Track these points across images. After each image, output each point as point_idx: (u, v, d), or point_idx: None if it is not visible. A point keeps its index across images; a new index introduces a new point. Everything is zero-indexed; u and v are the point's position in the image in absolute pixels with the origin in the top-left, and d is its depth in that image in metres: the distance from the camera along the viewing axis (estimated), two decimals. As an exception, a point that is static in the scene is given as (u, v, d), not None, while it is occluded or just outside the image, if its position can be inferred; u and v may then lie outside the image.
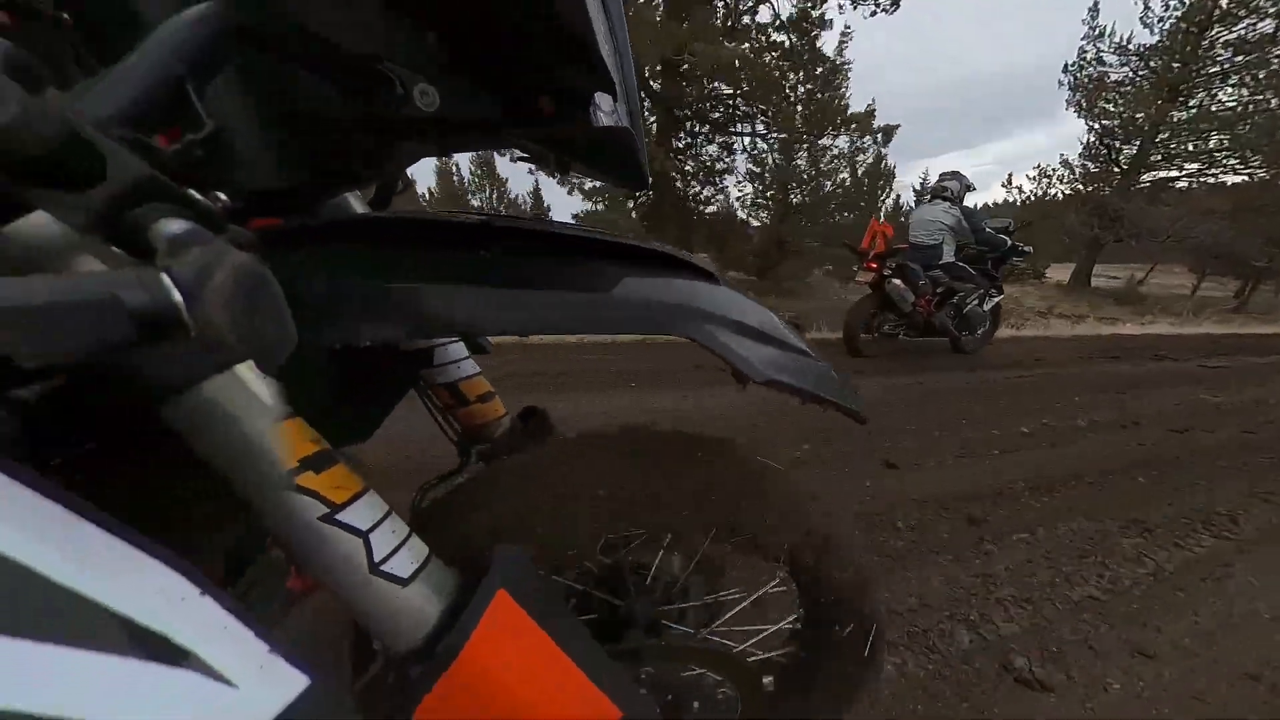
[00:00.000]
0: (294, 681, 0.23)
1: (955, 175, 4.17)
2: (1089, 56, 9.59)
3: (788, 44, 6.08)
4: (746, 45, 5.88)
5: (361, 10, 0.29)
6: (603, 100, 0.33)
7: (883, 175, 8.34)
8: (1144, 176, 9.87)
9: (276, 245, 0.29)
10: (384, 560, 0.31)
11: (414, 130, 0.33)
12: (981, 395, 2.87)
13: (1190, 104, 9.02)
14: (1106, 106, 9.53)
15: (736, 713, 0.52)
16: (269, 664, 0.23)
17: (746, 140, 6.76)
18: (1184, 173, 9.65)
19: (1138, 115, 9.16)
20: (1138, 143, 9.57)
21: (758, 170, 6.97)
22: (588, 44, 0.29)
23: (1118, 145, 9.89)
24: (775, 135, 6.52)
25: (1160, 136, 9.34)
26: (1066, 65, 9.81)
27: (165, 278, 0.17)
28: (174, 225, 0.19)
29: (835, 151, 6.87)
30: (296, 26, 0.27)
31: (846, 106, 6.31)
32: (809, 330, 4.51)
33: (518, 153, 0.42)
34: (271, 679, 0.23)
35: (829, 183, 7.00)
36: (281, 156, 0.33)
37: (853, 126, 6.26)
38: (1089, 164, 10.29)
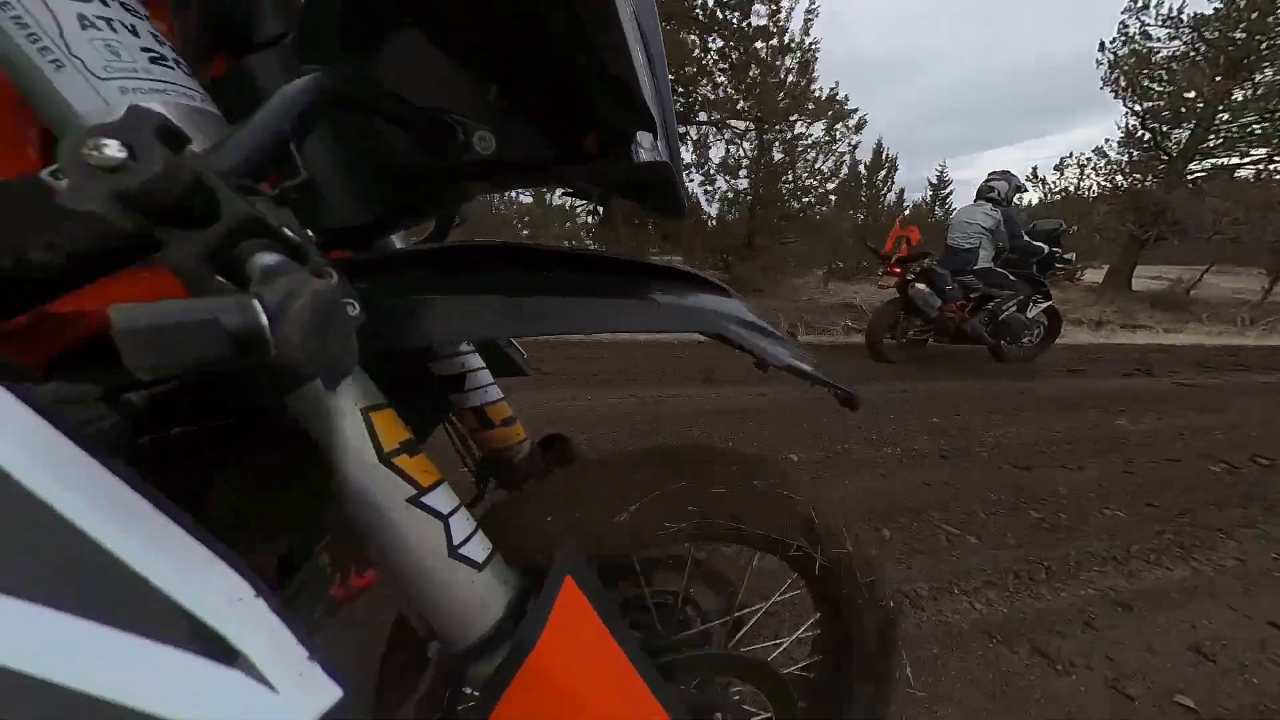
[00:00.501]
0: (329, 691, 0.24)
1: (1004, 175, 3.92)
2: (1131, 31, 8.54)
3: (727, 22, 5.51)
4: (690, 31, 5.43)
5: (435, 71, 0.34)
6: (644, 138, 0.35)
7: (883, 166, 7.78)
8: (1198, 164, 8.63)
9: (349, 274, 0.33)
10: (461, 544, 0.34)
11: (471, 172, 0.37)
12: (822, 412, 2.36)
13: (1256, 80, 7.90)
14: (1151, 86, 8.37)
15: None
16: (308, 671, 0.23)
17: (694, 131, 6.30)
18: (1248, 159, 8.47)
19: (1189, 94, 8.05)
20: (1190, 126, 8.39)
21: (700, 161, 6.53)
22: (630, 87, 0.32)
23: (1164, 129, 8.73)
24: (718, 123, 6.10)
25: (1219, 118, 8.19)
26: (1103, 43, 8.85)
27: (256, 303, 0.20)
28: (268, 258, 0.23)
29: (809, 140, 6.27)
30: (380, 89, 0.31)
31: (813, 92, 5.72)
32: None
33: (563, 189, 0.46)
34: (309, 687, 0.23)
35: (806, 174, 6.41)
36: (359, 198, 0.37)
37: (809, 108, 5.72)
38: (1132, 151, 9.08)
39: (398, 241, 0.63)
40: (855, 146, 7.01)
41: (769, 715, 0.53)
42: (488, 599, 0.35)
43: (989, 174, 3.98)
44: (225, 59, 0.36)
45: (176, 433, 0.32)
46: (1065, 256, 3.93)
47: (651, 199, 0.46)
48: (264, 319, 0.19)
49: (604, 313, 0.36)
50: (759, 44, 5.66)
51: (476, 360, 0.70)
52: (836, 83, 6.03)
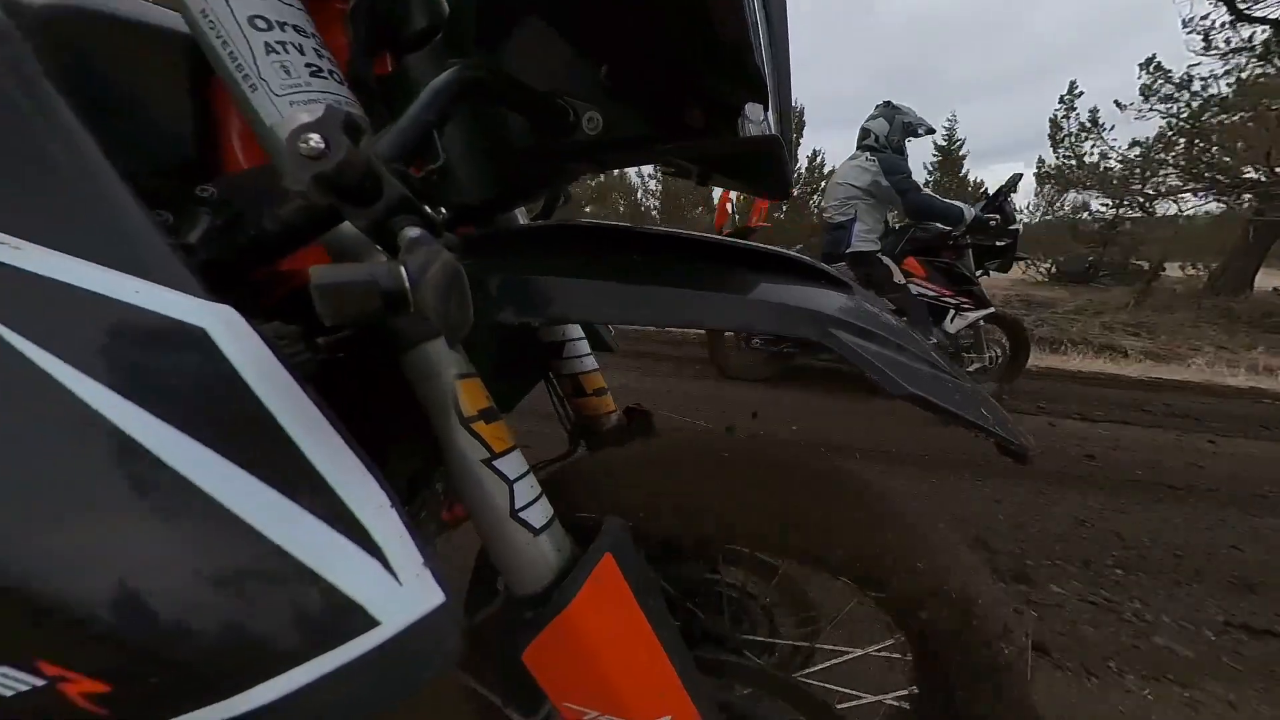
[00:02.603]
0: (435, 595, 0.28)
1: (883, 109, 2.57)
2: None
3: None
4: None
5: (552, 55, 0.36)
6: (752, 110, 0.33)
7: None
8: None
9: (470, 248, 0.38)
10: (522, 509, 0.38)
11: (578, 152, 0.38)
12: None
13: None
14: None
15: None
16: (422, 575, 0.28)
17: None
18: None
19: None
20: None
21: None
22: (742, 52, 0.30)
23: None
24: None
25: None
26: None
27: (402, 269, 0.24)
28: (414, 232, 0.27)
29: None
30: (507, 77, 0.34)
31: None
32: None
33: (663, 167, 0.45)
34: (422, 587, 0.28)
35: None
36: (480, 179, 0.41)
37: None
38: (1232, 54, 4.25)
39: (521, 217, 0.69)
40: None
41: None
42: (541, 561, 0.38)
43: (873, 109, 2.62)
44: (390, 59, 0.42)
45: (344, 370, 0.40)
46: (1011, 229, 2.42)
47: (755, 176, 0.44)
48: (407, 283, 0.23)
49: (697, 307, 0.36)
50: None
51: (576, 331, 0.75)
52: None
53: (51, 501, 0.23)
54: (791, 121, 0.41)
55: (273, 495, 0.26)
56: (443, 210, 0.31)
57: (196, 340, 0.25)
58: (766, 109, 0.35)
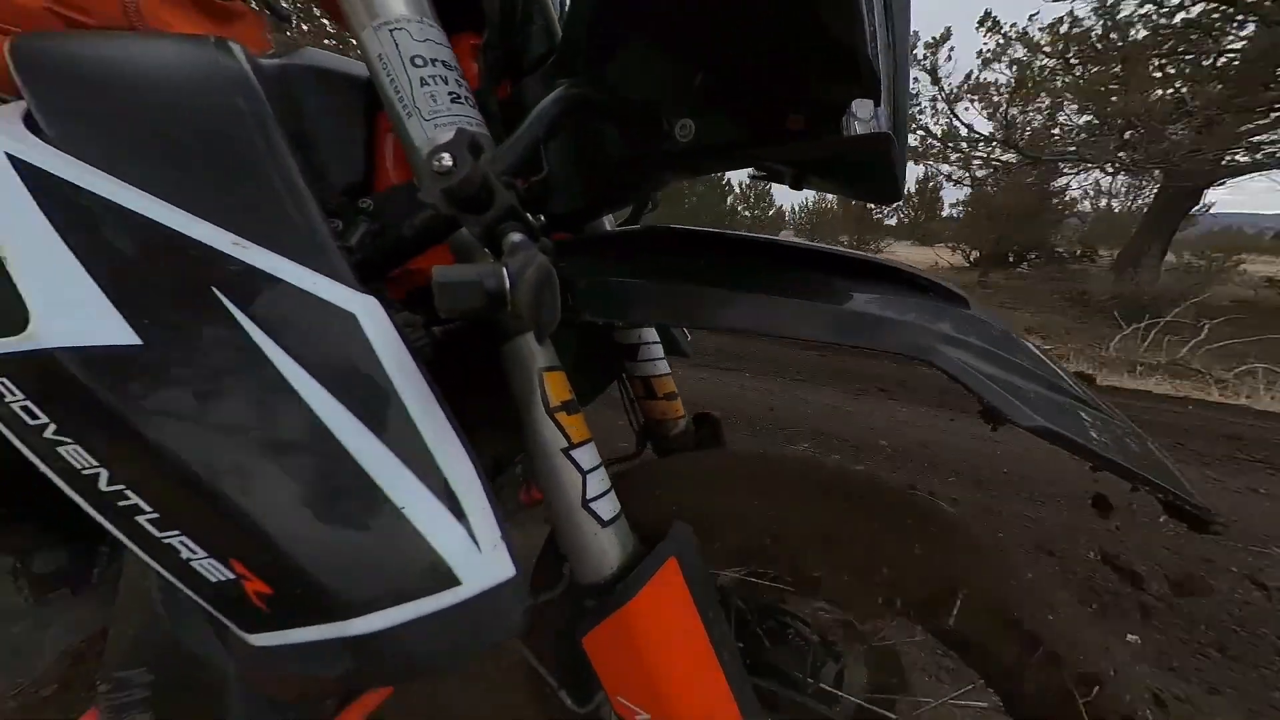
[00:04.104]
0: (508, 567, 0.31)
1: None
2: None
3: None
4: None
5: (651, 67, 0.37)
6: (860, 107, 0.30)
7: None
8: None
9: (563, 251, 0.41)
10: (592, 500, 0.39)
11: (669, 160, 0.39)
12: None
13: None
14: None
15: None
16: (499, 547, 0.31)
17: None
18: None
19: None
20: None
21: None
22: (852, 47, 0.28)
23: None
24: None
25: None
26: None
27: (504, 270, 0.26)
28: (516, 237, 0.30)
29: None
30: (608, 92, 0.36)
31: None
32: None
33: (755, 171, 0.44)
34: (498, 558, 0.31)
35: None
36: (576, 189, 0.44)
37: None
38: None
39: (606, 223, 0.73)
40: None
41: None
42: (605, 552, 0.39)
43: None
44: (509, 83, 0.47)
45: (450, 358, 0.46)
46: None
47: (859, 178, 0.40)
48: (508, 283, 0.26)
49: (780, 314, 0.34)
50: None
51: (651, 335, 0.76)
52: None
53: (250, 434, 0.30)
54: (907, 117, 0.37)
55: (390, 457, 0.30)
56: (541, 217, 0.34)
57: (350, 323, 0.31)
58: (877, 104, 0.31)
